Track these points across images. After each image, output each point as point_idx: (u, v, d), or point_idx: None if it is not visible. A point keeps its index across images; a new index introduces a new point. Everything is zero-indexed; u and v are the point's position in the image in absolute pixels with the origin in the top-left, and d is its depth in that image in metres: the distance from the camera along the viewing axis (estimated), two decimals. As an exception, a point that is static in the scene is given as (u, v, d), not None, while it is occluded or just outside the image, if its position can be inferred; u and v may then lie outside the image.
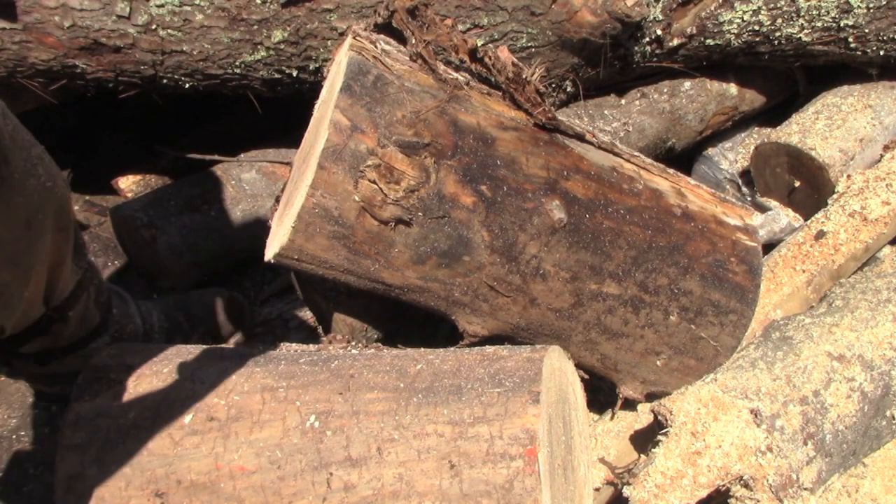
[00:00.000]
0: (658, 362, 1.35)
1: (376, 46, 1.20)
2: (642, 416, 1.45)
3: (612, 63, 1.80)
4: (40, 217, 1.16)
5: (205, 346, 1.33)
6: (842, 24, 1.76)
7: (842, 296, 1.50)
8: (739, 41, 1.81)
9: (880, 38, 1.78)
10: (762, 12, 1.76)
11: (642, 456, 1.37)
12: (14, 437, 1.69)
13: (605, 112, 1.90)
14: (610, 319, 1.29)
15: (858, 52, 1.83)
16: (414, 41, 1.21)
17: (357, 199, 1.14)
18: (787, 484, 1.22)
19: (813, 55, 1.86)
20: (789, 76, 2.08)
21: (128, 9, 1.50)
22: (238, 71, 1.66)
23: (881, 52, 1.81)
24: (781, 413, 1.26)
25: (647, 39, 1.79)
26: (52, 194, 1.18)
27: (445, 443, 1.04)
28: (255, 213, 1.89)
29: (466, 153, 1.18)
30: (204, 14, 1.54)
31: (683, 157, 2.10)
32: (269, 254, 1.23)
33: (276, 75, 1.70)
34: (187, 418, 1.09)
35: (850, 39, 1.80)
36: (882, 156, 1.83)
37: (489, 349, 1.21)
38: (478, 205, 1.18)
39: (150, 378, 1.14)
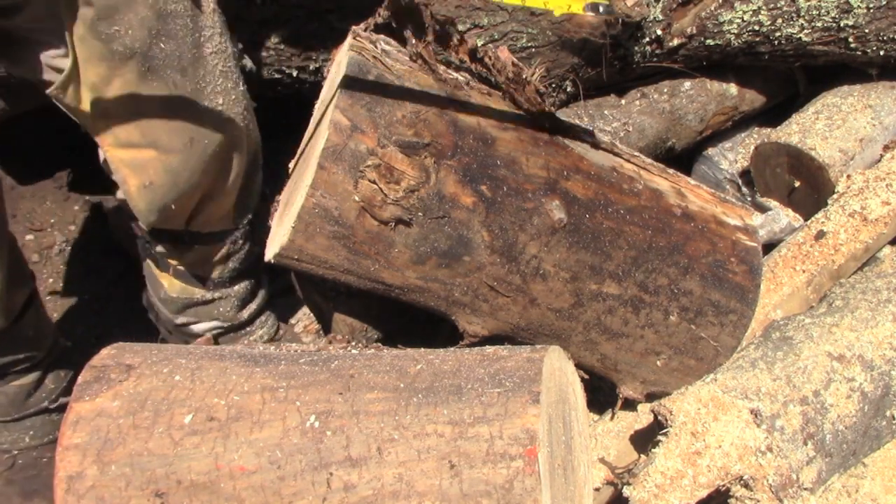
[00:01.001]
0: (658, 362, 1.35)
1: (376, 46, 1.20)
2: (642, 416, 1.44)
3: (612, 63, 1.80)
4: (205, 143, 1.27)
5: (205, 347, 1.33)
6: (842, 24, 1.76)
7: (842, 296, 1.50)
8: (739, 41, 1.81)
9: (880, 38, 1.78)
10: (762, 12, 1.76)
11: (642, 456, 1.37)
12: (14, 437, 1.69)
13: (605, 112, 1.90)
14: (610, 319, 1.29)
15: (858, 52, 1.83)
16: (414, 41, 1.21)
17: (357, 199, 1.14)
18: (787, 484, 1.22)
19: (813, 55, 1.86)
20: (789, 76, 2.08)
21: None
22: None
23: (881, 52, 1.81)
24: (781, 413, 1.26)
25: (647, 39, 1.79)
26: (226, 127, 1.30)
27: (445, 443, 1.04)
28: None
29: (466, 153, 1.18)
30: (204, 14, 1.54)
31: (683, 157, 2.10)
32: (269, 254, 1.23)
33: (276, 75, 1.70)
34: (187, 418, 1.09)
35: (850, 39, 1.80)
36: (882, 156, 1.83)
37: (489, 349, 1.21)
38: (478, 205, 1.18)
39: (150, 378, 1.14)
